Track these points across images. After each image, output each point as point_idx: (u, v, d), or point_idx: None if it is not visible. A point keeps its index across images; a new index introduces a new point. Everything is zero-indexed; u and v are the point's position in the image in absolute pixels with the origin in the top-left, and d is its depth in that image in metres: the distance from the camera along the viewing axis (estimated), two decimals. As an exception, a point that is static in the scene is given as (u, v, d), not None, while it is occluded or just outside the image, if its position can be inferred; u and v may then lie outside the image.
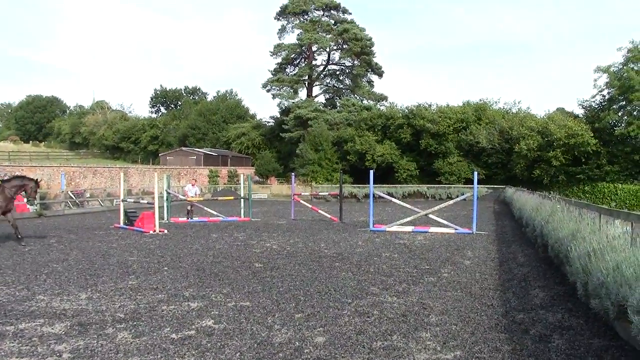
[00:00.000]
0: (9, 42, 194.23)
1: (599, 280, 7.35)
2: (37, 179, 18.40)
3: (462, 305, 8.75)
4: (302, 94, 77.99)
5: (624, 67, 50.11)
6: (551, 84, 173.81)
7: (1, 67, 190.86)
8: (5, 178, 18.76)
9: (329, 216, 26.31)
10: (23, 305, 8.76)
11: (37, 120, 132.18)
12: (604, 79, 51.75)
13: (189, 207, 26.87)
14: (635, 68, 49.78)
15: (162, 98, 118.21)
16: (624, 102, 50.53)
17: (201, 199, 29.50)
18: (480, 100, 62.13)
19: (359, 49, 72.06)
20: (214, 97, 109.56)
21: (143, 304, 8.83)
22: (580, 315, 8.07)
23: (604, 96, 52.52)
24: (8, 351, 6.52)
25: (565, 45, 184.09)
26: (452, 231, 20.23)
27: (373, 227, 21.32)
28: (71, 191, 36.76)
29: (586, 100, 54.39)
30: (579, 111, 55.35)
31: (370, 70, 76.01)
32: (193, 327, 7.54)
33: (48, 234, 19.50)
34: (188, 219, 26.10)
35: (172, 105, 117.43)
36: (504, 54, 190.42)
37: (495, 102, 63.39)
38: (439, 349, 6.58)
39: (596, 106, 53.16)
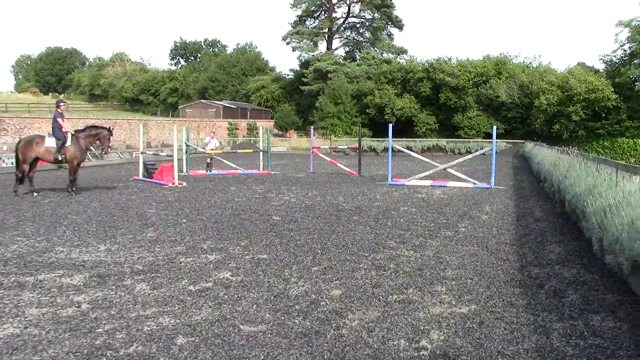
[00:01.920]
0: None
1: (614, 236, 7.32)
2: (109, 127, 18.22)
3: (478, 260, 8.77)
4: (322, 46, 77.71)
5: (646, 21, 49.04)
6: (572, 38, 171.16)
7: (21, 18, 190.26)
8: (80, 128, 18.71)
9: (347, 170, 26.26)
10: (42, 257, 8.86)
11: (57, 72, 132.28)
12: (625, 33, 51.04)
13: (208, 160, 26.97)
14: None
15: (181, 50, 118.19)
16: (645, 57, 49.68)
17: (220, 151, 29.60)
18: (501, 54, 62.02)
19: (380, 1, 71.29)
20: (233, 49, 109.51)
21: (161, 256, 8.93)
22: (595, 270, 8.06)
23: (625, 51, 51.79)
24: (28, 301, 6.59)
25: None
26: (471, 185, 20.20)
27: (392, 181, 21.30)
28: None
29: (607, 55, 54.03)
30: (600, 66, 54.97)
31: (390, 23, 75.56)
32: (210, 279, 7.61)
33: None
34: (207, 171, 26.22)
35: (192, 58, 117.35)
36: (525, 6, 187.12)
37: (516, 57, 63.34)
38: (454, 302, 6.62)
39: (617, 61, 52.46)
